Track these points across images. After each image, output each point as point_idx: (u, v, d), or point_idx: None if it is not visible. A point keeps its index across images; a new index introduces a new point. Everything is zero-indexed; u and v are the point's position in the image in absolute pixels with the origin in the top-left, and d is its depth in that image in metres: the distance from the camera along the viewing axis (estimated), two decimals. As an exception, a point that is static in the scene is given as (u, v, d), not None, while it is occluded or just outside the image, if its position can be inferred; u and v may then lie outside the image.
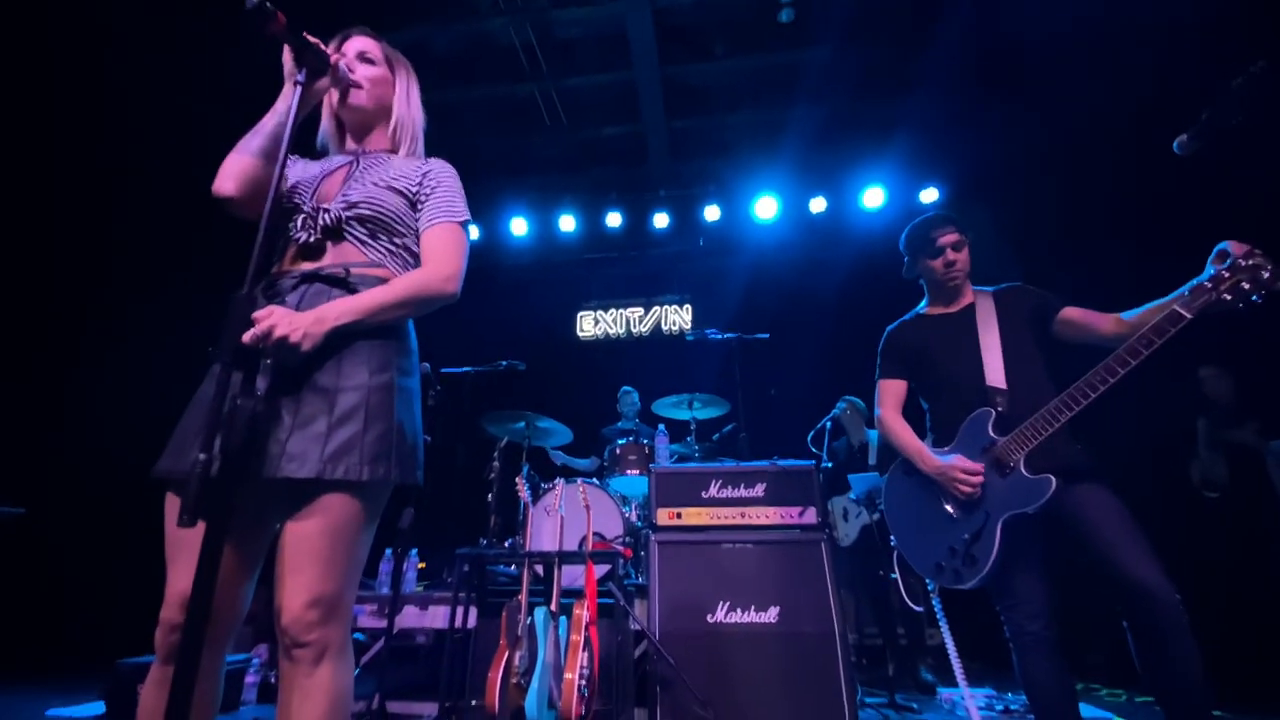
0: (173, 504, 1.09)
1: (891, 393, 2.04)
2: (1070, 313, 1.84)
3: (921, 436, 1.96)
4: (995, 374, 1.81)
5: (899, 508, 1.97)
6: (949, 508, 1.81)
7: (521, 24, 4.87)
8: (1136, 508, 1.63)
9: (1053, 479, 1.62)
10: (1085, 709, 1.76)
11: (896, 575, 2.22)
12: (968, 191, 5.56)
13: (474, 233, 6.36)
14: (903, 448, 1.94)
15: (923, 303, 2.12)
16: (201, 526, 0.87)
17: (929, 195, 5.70)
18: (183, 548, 1.05)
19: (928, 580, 1.87)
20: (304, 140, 1.40)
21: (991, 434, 1.76)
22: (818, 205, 5.90)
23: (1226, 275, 1.47)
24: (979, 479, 1.73)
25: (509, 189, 6.32)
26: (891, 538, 1.99)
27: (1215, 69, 1.89)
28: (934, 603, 2.00)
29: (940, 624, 2.02)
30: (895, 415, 2.01)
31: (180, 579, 1.03)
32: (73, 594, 4.02)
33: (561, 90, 5.43)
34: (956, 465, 1.77)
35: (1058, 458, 1.68)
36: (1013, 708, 2.88)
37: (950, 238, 1.97)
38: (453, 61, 5.18)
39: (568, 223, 6.22)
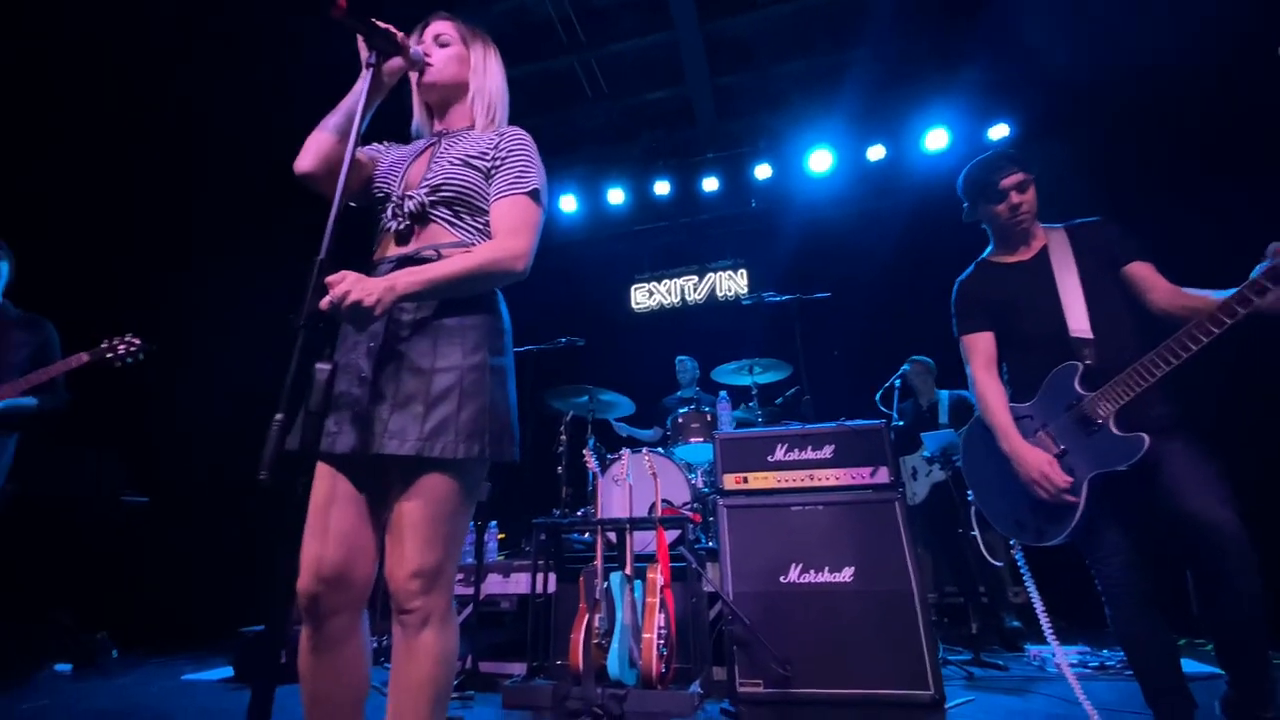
0: (318, 473, 1.17)
1: (981, 349, 1.88)
2: (1136, 269, 1.69)
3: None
4: (1079, 322, 1.68)
5: (978, 463, 1.90)
6: None
7: (558, -4, 4.81)
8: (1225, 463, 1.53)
9: (1145, 438, 1.52)
10: (1188, 664, 1.68)
11: (976, 532, 2.16)
12: (1043, 125, 5.14)
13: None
14: (989, 416, 1.80)
15: (987, 249, 1.98)
16: (336, 500, 0.95)
17: (998, 132, 5.31)
18: (315, 519, 1.14)
19: (1010, 538, 1.81)
20: (400, 130, 1.48)
21: (1078, 389, 1.65)
22: (876, 153, 5.61)
23: None
24: (1060, 489, 1.61)
25: (556, 166, 6.34)
26: (969, 493, 1.93)
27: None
28: (1017, 559, 1.93)
29: (1025, 581, 1.96)
30: (989, 375, 1.85)
31: (311, 548, 1.12)
32: (197, 572, 4.46)
33: (601, 59, 5.36)
34: (1042, 468, 1.64)
35: (1149, 413, 1.57)
36: (1109, 664, 2.77)
37: (1013, 179, 1.81)
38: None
39: (616, 195, 6.19)
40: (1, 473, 2.30)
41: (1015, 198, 1.81)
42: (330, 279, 1.02)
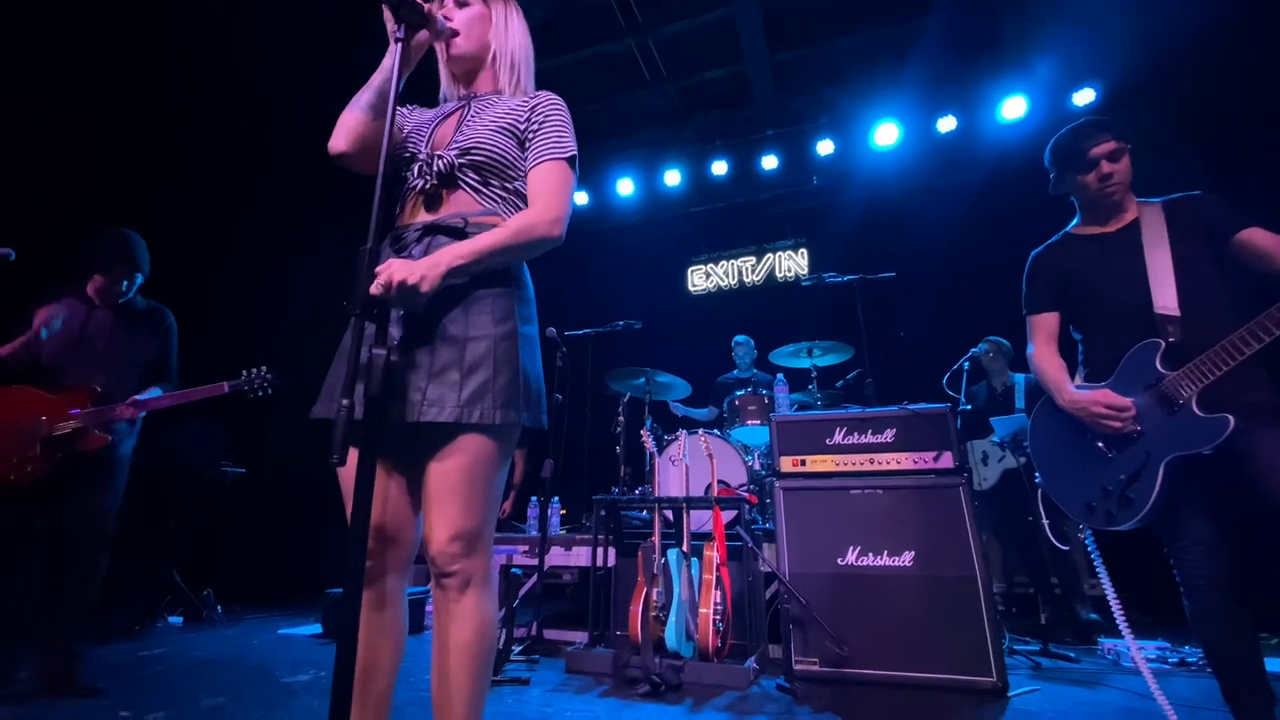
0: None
1: (1043, 328, 1.84)
2: (1253, 235, 1.57)
3: (1072, 372, 1.79)
4: (1166, 299, 1.58)
5: (1047, 444, 1.83)
6: (1102, 445, 1.66)
7: (614, -24, 4.80)
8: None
9: (1230, 419, 1.43)
10: (1271, 662, 1.58)
11: (1041, 516, 2.08)
12: (1135, 89, 4.73)
13: (582, 198, 6.54)
14: (1044, 380, 1.78)
15: (1074, 221, 1.88)
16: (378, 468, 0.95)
17: (1084, 97, 4.94)
18: (351, 487, 1.17)
19: (1081, 524, 1.74)
20: (428, 96, 1.46)
21: (1160, 368, 1.57)
22: (946, 125, 5.33)
23: None
24: (1128, 414, 1.57)
25: (613, 150, 6.37)
26: (1037, 475, 1.87)
27: None
28: (1089, 546, 1.85)
29: (1098, 570, 1.88)
30: (1045, 350, 1.82)
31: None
32: (289, 537, 4.86)
33: (659, 39, 5.32)
34: (1098, 399, 1.61)
35: (1242, 397, 1.47)
36: (1189, 660, 2.62)
37: (1105, 146, 1.71)
38: (551, 29, 5.25)
39: (673, 177, 6.17)
40: (128, 448, 2.53)
41: (1106, 166, 1.72)
42: (378, 269, 1.03)
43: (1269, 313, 1.41)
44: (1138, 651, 2.04)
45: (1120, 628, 1.82)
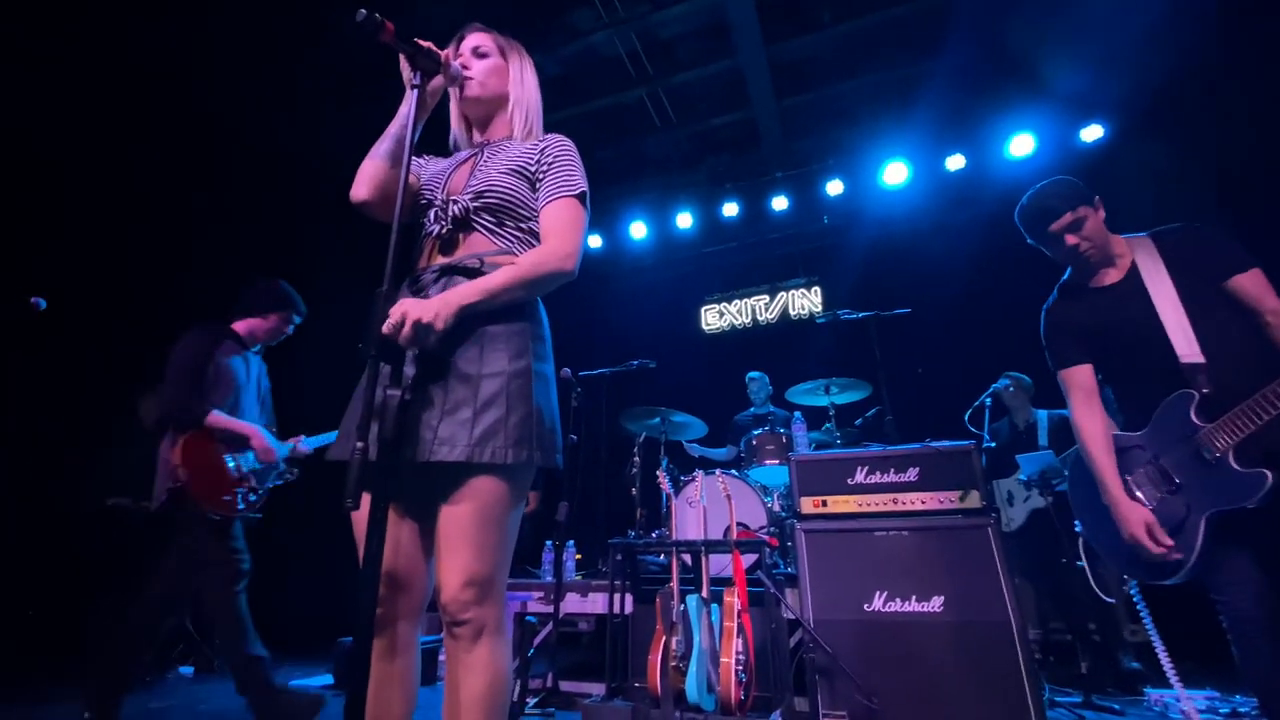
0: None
1: (1078, 384, 1.74)
2: (1240, 283, 1.54)
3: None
4: (1187, 347, 1.54)
5: (1088, 494, 1.76)
6: (1142, 495, 1.61)
7: (625, 33, 5.00)
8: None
9: (1268, 475, 1.38)
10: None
11: (1084, 563, 2.00)
12: (1142, 122, 4.77)
13: (596, 241, 6.66)
14: (1091, 464, 1.68)
15: (1068, 272, 1.85)
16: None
17: (1091, 133, 4.99)
18: (363, 531, 1.15)
19: (1125, 575, 1.68)
20: (439, 142, 1.50)
21: (1195, 420, 1.51)
22: (955, 163, 5.40)
23: None
24: (1162, 552, 1.52)
25: (626, 195, 6.52)
26: (1076, 523, 1.80)
27: None
28: (1133, 594, 1.77)
29: (1143, 617, 1.79)
30: (1090, 414, 1.70)
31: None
32: (303, 584, 4.80)
33: (669, 89, 5.50)
34: (1143, 530, 1.54)
35: (1272, 444, 1.42)
36: (1241, 710, 2.46)
37: (1063, 222, 1.70)
38: (564, 82, 5.46)
39: (685, 220, 6.27)
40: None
41: (1070, 240, 1.70)
42: (391, 310, 1.03)
43: None
44: (1188, 702, 1.93)
45: (1169, 676, 1.72)
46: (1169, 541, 1.51)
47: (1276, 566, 1.45)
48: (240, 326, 2.60)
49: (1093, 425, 1.69)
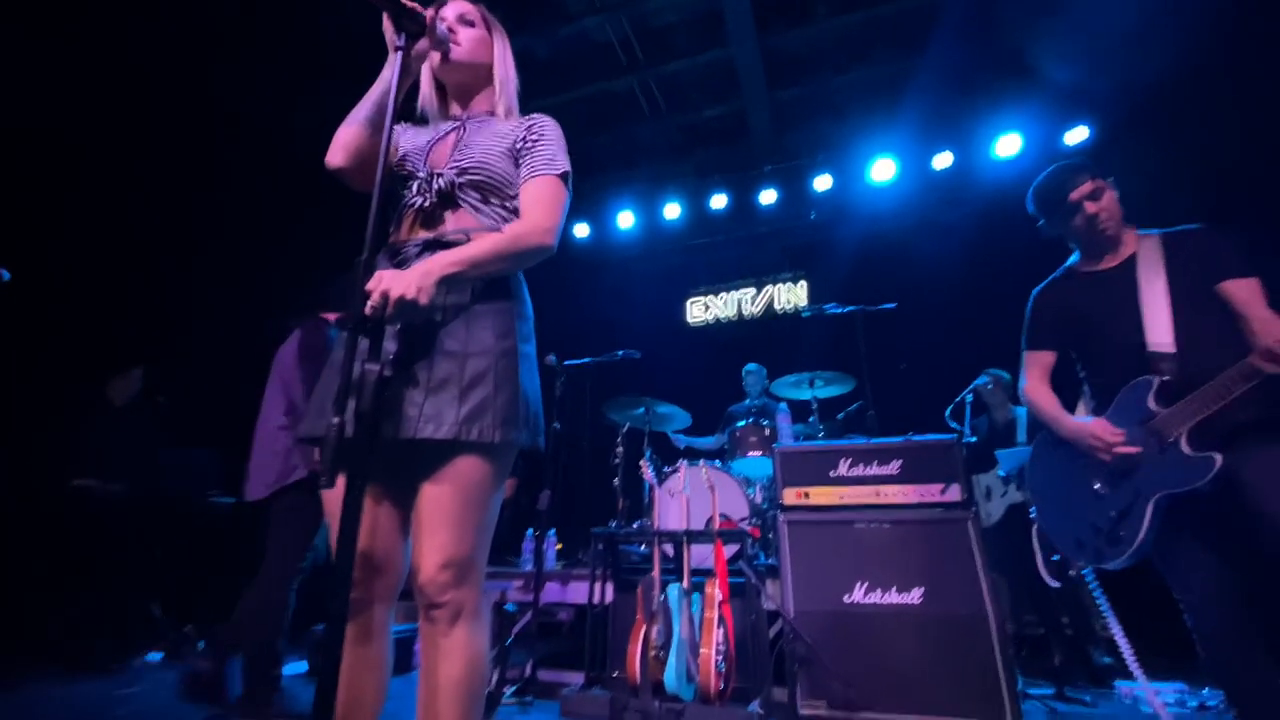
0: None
1: (1037, 364, 1.84)
2: (1231, 288, 1.54)
3: (1071, 407, 1.77)
4: (1160, 335, 1.56)
5: (1043, 479, 1.82)
6: (1096, 483, 1.63)
7: (616, 19, 4.94)
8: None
9: (1216, 458, 1.40)
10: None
11: (1035, 550, 2.00)
12: (1128, 124, 4.83)
13: (583, 230, 6.61)
14: (1041, 414, 1.78)
15: (1074, 256, 1.87)
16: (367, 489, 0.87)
17: (1076, 135, 5.04)
18: (338, 511, 1.12)
19: (1072, 560, 1.70)
20: (407, 110, 1.41)
21: (1152, 405, 1.54)
22: (942, 161, 5.44)
23: None
24: (1119, 445, 1.55)
25: (614, 183, 6.47)
26: (1032, 509, 1.82)
27: None
28: (1091, 585, 1.79)
29: (1104, 611, 1.81)
30: (1038, 385, 1.82)
31: None
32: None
33: (660, 78, 5.45)
34: (1095, 429, 1.60)
35: (1229, 425, 1.44)
36: (1209, 704, 2.52)
37: (1084, 188, 1.71)
38: (554, 66, 5.38)
39: (673, 210, 6.24)
40: None
41: (1090, 207, 1.71)
42: (368, 285, 0.99)
43: (1260, 351, 1.39)
44: (1154, 696, 1.97)
45: (1132, 669, 1.75)
46: (1119, 432, 1.56)
47: (1237, 562, 1.47)
48: (333, 317, 2.62)
49: (1043, 391, 1.80)
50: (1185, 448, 1.47)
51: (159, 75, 4.17)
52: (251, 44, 4.31)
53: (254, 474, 2.44)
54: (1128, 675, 2.94)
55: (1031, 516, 1.83)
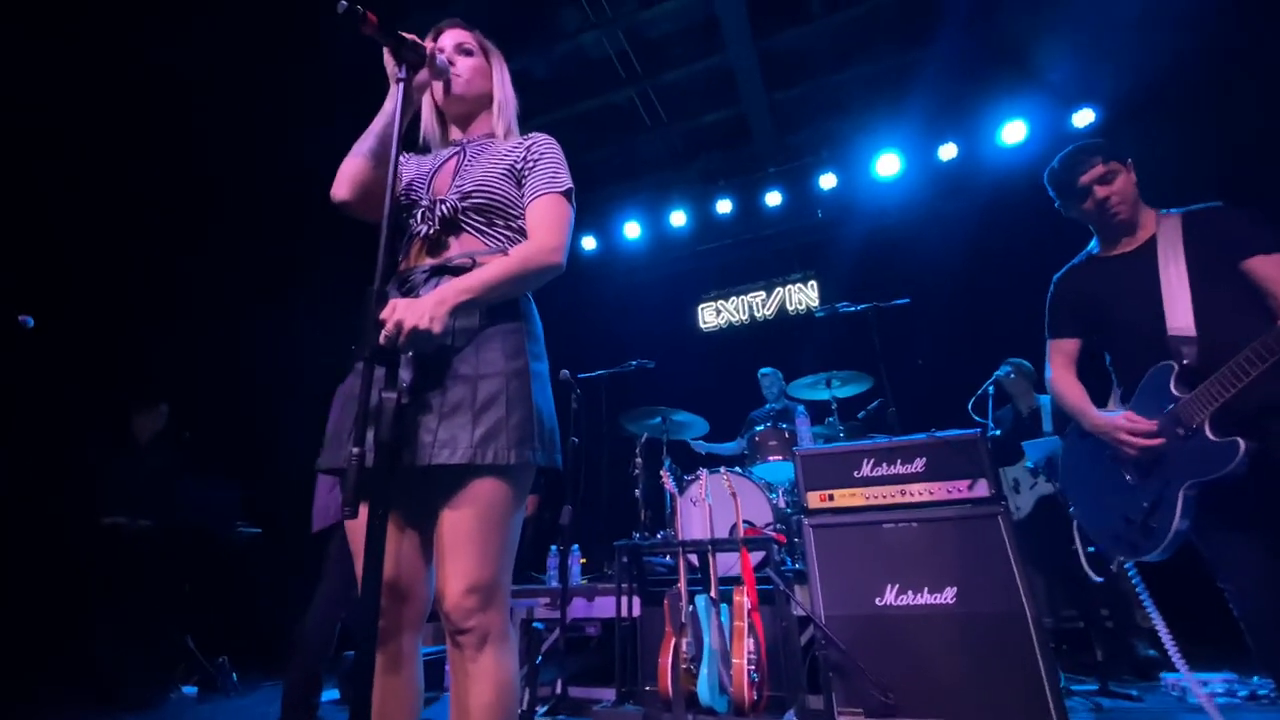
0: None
1: (1061, 352, 1.82)
2: (1257, 265, 1.49)
3: (1103, 397, 1.73)
4: (1180, 319, 1.52)
5: (1076, 472, 1.79)
6: (1126, 474, 1.59)
7: (613, 33, 4.97)
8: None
9: (1240, 442, 1.36)
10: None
11: (1077, 546, 1.95)
12: (1135, 107, 4.75)
13: (590, 243, 6.63)
14: (1066, 407, 1.74)
15: (1093, 241, 1.84)
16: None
17: (1083, 118, 4.97)
18: (362, 541, 1.11)
19: (1109, 553, 1.66)
20: (410, 139, 1.43)
21: (1174, 391, 1.50)
22: (947, 152, 5.38)
23: None
24: (1145, 438, 1.51)
25: (619, 195, 6.48)
26: (1071, 507, 1.78)
27: None
28: (1131, 576, 1.74)
29: (1144, 600, 1.76)
30: (1063, 374, 1.79)
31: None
32: (306, 600, 4.74)
33: (659, 88, 5.47)
34: (1119, 423, 1.55)
35: (1254, 406, 1.39)
36: (1260, 692, 2.43)
37: (1094, 172, 1.68)
38: (554, 84, 5.42)
39: (679, 218, 6.25)
40: None
41: (1101, 191, 1.68)
42: (382, 315, 1.00)
43: (1275, 330, 1.34)
44: (1197, 686, 1.91)
45: (1174, 660, 1.69)
46: (1149, 425, 1.52)
47: (1276, 536, 1.42)
48: None
49: (1068, 381, 1.77)
50: (1209, 433, 1.42)
51: (200, 88, 4.23)
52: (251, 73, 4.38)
53: (317, 507, 2.58)
54: (1174, 667, 2.87)
55: (1071, 512, 1.79)
